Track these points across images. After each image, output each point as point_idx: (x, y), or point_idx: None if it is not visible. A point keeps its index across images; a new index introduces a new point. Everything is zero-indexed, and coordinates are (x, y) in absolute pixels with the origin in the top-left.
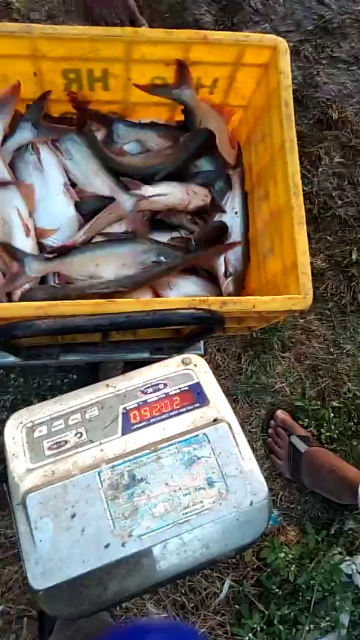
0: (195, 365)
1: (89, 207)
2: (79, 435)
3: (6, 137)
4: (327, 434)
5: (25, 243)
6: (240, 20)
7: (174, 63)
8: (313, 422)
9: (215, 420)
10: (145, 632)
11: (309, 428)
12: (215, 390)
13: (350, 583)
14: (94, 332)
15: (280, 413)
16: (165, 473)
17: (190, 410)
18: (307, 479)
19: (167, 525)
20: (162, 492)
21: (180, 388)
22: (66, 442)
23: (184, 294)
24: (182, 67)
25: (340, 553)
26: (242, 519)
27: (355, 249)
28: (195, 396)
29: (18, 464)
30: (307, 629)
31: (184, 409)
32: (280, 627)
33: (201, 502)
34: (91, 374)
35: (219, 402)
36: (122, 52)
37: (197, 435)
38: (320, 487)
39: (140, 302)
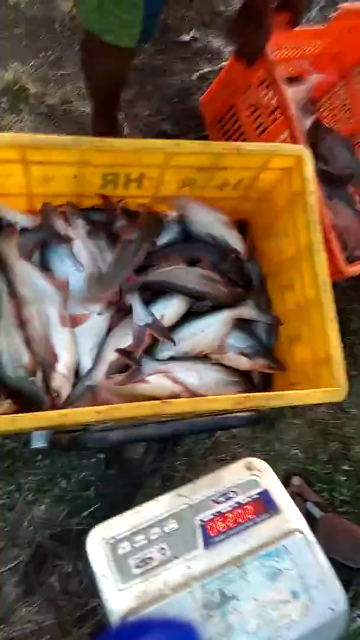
0: (259, 470)
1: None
2: (162, 551)
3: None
4: (340, 498)
5: (62, 335)
6: None
7: (205, 168)
8: (325, 487)
9: (290, 531)
10: (145, 629)
11: (322, 492)
12: (282, 497)
13: None
14: (159, 440)
15: (296, 480)
16: (252, 588)
17: (264, 519)
18: (323, 544)
19: None
20: (252, 608)
21: (250, 496)
22: (151, 559)
23: (212, 378)
24: None
25: (359, 616)
26: (324, 628)
27: (354, 317)
28: (265, 505)
29: (108, 584)
30: None
31: (259, 519)
32: None
33: (289, 615)
34: (116, 452)
35: (288, 510)
36: (161, 160)
37: (277, 548)
38: (337, 552)
39: (191, 403)
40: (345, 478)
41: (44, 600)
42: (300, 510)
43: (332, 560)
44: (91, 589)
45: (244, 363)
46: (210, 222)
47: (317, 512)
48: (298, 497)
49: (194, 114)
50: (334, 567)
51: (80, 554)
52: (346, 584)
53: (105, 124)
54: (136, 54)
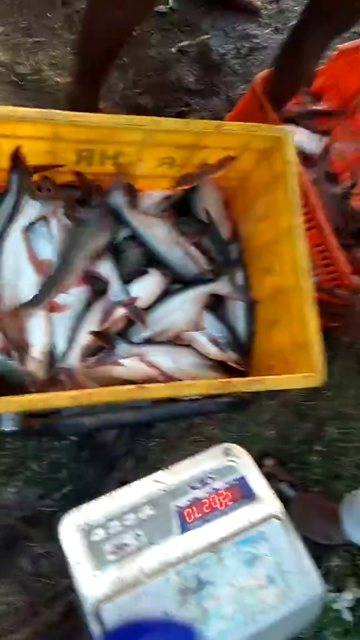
0: (237, 457)
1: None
2: (138, 537)
3: (12, 218)
4: (314, 477)
5: (37, 318)
6: (220, 81)
7: (185, 147)
8: (299, 467)
9: (267, 516)
10: (141, 630)
11: (296, 472)
12: (259, 483)
13: (339, 618)
14: (136, 426)
15: (268, 460)
16: (228, 574)
17: (241, 505)
18: (296, 523)
19: (237, 626)
20: (228, 594)
21: (227, 482)
22: (126, 545)
23: (187, 362)
24: None
25: (331, 591)
26: (300, 612)
27: None
28: (242, 491)
29: (82, 571)
30: None
31: (236, 505)
32: None
33: (265, 600)
34: (88, 435)
35: (265, 496)
36: (139, 138)
37: (253, 534)
38: (310, 530)
39: (168, 388)
40: (318, 458)
41: (14, 582)
42: (274, 490)
43: (304, 538)
44: (62, 570)
45: (213, 352)
46: (213, 203)
47: (290, 492)
48: (272, 478)
49: (172, 88)
50: (306, 544)
51: (52, 536)
52: (318, 561)
53: (87, 89)
54: (154, 4)
